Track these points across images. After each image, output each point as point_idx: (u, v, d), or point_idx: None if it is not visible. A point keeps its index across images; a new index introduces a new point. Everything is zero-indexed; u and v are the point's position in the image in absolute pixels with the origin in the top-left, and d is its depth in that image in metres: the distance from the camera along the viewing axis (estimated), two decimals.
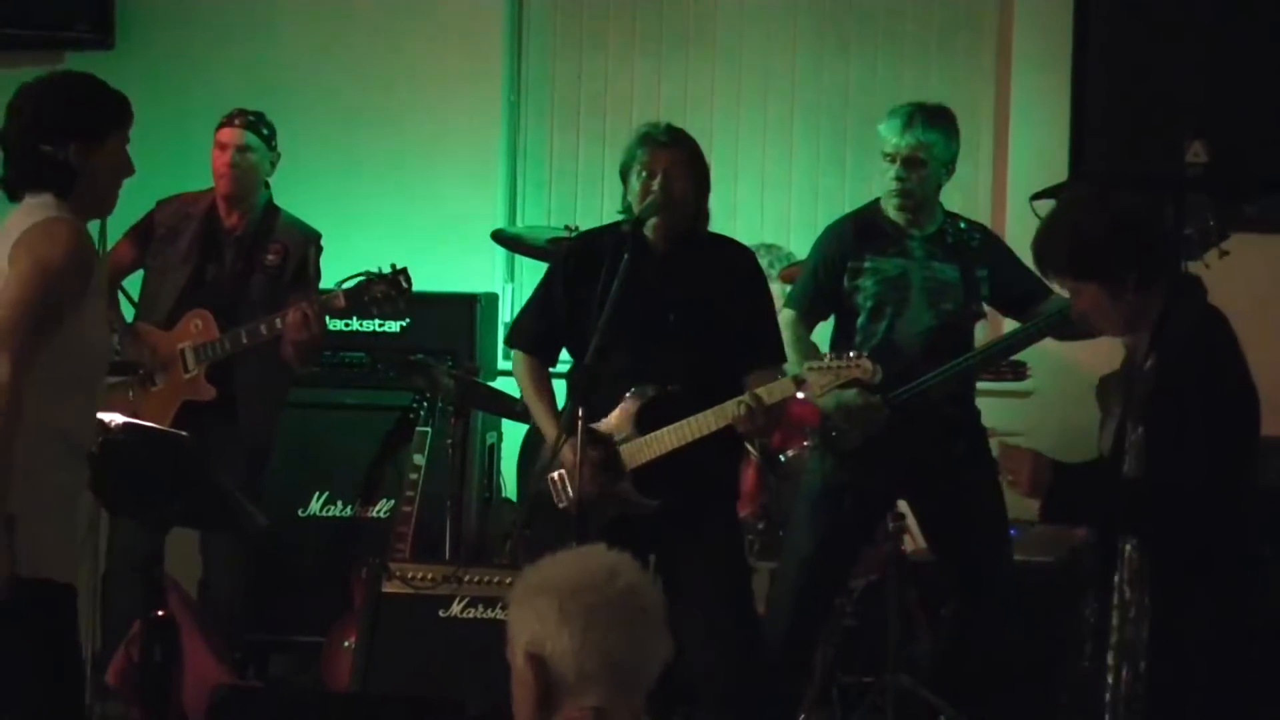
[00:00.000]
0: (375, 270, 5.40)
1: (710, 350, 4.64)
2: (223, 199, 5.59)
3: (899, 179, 5.10)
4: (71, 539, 3.68)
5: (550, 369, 4.86)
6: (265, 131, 5.63)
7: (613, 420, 4.65)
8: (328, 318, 5.48)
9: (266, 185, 5.65)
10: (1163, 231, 3.81)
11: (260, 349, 5.40)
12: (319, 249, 5.65)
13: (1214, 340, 3.68)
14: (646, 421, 4.61)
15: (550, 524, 4.62)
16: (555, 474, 4.65)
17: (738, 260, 4.81)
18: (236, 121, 5.63)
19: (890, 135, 5.10)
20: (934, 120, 5.12)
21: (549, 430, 4.70)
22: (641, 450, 4.61)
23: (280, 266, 5.57)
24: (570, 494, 4.57)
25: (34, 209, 3.66)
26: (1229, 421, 3.62)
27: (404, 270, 5.41)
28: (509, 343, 4.99)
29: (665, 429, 4.58)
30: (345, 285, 5.39)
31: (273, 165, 5.64)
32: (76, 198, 3.69)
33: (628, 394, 4.63)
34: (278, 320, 5.34)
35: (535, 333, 4.82)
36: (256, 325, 5.37)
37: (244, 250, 5.57)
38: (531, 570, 2.55)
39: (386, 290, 5.39)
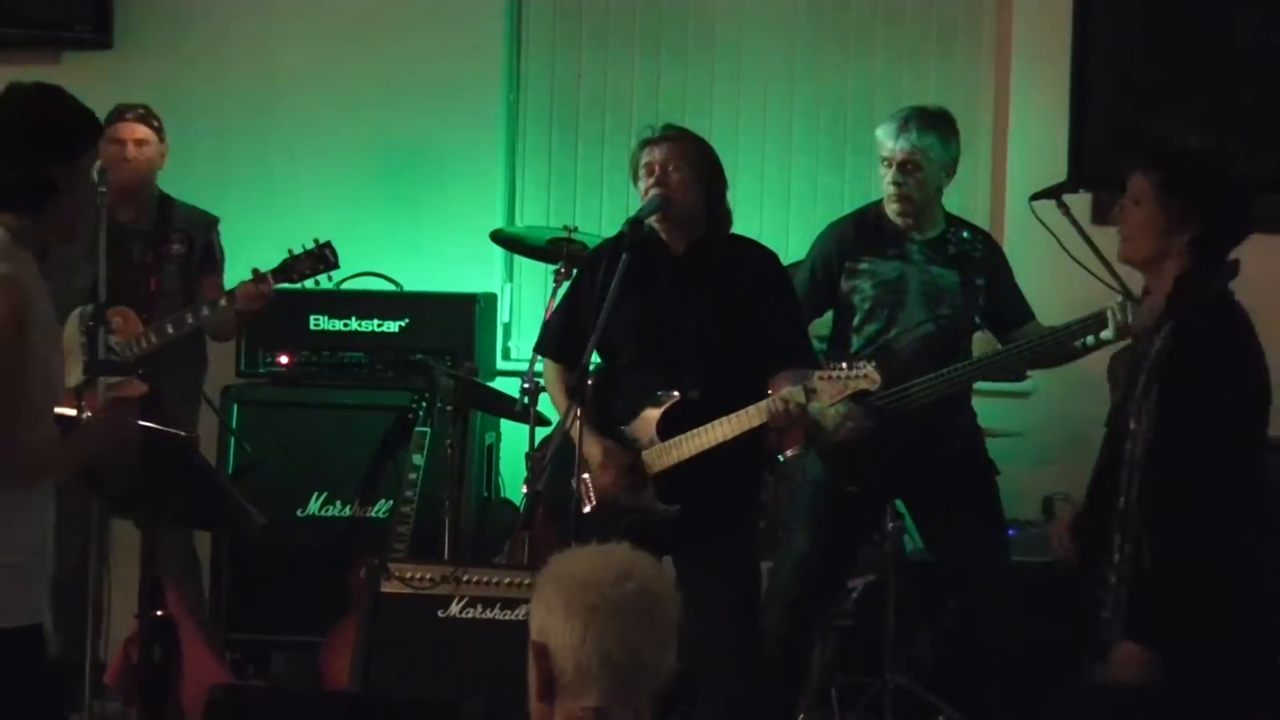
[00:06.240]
0: (301, 247, 5.58)
1: (730, 355, 4.60)
2: (119, 192, 5.53)
3: (895, 183, 5.09)
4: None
5: None
6: (156, 124, 5.78)
7: (635, 427, 4.64)
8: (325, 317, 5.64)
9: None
10: (1236, 228, 3.73)
11: (181, 341, 5.55)
12: (218, 231, 5.89)
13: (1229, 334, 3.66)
14: (667, 427, 4.59)
15: (568, 525, 4.61)
16: (585, 476, 4.62)
17: (758, 261, 4.75)
18: (129, 116, 5.74)
19: (886, 139, 5.09)
20: (930, 123, 5.10)
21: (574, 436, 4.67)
22: (662, 456, 4.59)
23: (187, 255, 5.77)
24: (594, 497, 4.58)
25: None
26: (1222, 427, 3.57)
27: (328, 244, 5.59)
28: (536, 350, 4.99)
29: (685, 435, 4.55)
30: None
31: (163, 156, 5.79)
32: (44, 219, 3.46)
33: (649, 400, 4.62)
34: (205, 309, 5.52)
35: (558, 339, 4.82)
36: (182, 315, 5.55)
37: (149, 243, 5.67)
38: (555, 559, 2.54)
39: (313, 264, 5.57)
